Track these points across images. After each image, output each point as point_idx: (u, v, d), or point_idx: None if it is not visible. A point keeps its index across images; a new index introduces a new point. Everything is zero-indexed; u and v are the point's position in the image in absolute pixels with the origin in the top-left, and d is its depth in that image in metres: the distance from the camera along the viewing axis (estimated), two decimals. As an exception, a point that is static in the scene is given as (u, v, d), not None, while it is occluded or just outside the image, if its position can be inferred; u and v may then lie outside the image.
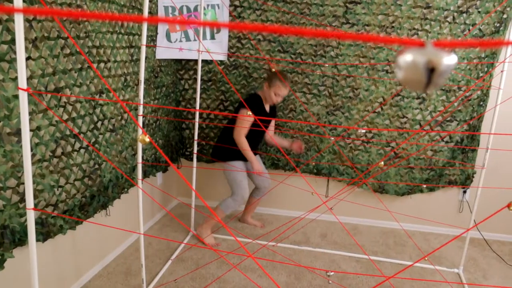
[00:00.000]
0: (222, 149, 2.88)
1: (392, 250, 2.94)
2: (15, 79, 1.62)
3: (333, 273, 2.57)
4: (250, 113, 2.64)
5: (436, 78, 0.45)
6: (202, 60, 3.16)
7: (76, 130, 2.07)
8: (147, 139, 0.93)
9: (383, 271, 2.63)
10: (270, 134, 3.07)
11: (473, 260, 2.85)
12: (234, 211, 3.38)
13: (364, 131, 3.10)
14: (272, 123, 3.09)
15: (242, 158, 2.84)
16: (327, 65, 3.03)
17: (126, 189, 2.61)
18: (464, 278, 2.60)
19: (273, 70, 2.85)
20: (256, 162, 2.78)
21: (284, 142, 3.05)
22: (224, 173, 2.92)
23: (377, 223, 3.36)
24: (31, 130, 1.77)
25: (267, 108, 2.90)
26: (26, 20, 1.68)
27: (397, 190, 3.19)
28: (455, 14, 2.81)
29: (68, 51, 1.95)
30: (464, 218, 3.22)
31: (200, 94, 3.27)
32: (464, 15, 2.80)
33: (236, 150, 2.81)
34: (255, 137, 2.89)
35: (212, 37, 3.12)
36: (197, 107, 2.87)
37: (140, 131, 2.01)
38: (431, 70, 0.44)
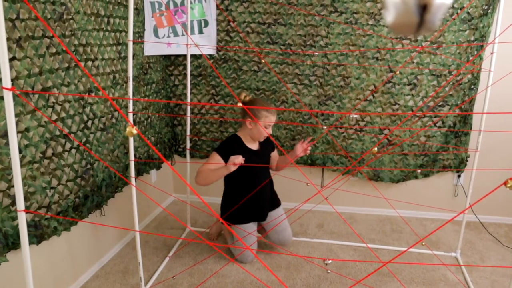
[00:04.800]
0: (227, 211, 2.59)
1: (389, 237, 2.95)
2: (0, 81, 1.59)
3: (331, 261, 2.57)
4: (219, 157, 2.37)
5: (429, 17, 0.40)
6: (191, 55, 3.13)
7: (66, 130, 2.04)
8: (135, 131, 0.91)
9: (381, 258, 2.63)
10: (273, 168, 2.75)
11: (470, 243, 2.87)
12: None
13: (356, 116, 3.09)
14: (273, 156, 2.75)
15: (251, 219, 2.58)
16: (317, 53, 3.02)
17: (120, 188, 2.59)
18: (462, 261, 2.62)
19: (247, 99, 2.45)
20: (229, 166, 2.27)
21: (290, 155, 2.63)
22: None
23: (373, 211, 3.36)
24: (19, 132, 1.74)
25: (254, 146, 2.54)
26: (9, 19, 1.65)
27: (392, 177, 3.19)
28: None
29: (54, 50, 1.92)
30: (460, 202, 3.23)
31: (191, 89, 3.25)
32: (452, -1, 2.80)
33: (242, 210, 2.52)
34: (251, 185, 2.48)
35: (200, 32, 3.09)
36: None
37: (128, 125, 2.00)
38: (423, 8, 0.40)
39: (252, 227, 2.59)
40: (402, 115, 3.08)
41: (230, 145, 2.45)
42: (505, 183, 0.84)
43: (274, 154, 2.76)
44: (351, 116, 3.10)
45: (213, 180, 2.34)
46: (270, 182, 2.66)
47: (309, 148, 2.50)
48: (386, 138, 3.12)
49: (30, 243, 1.84)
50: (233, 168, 2.24)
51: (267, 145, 2.62)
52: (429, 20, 0.40)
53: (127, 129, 0.90)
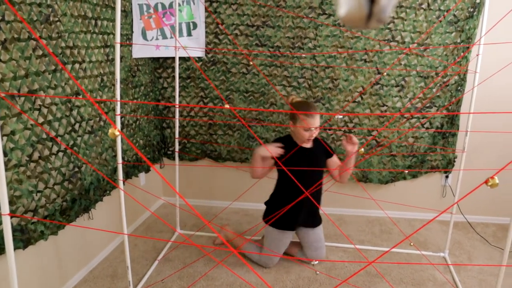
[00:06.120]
0: (269, 208, 2.57)
1: (378, 238, 2.96)
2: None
3: (317, 262, 2.58)
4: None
5: (378, 10, 0.42)
6: (180, 58, 3.12)
7: (53, 133, 2.02)
8: (117, 132, 0.91)
9: (370, 259, 2.64)
10: (335, 175, 2.56)
11: (458, 243, 2.89)
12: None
13: (340, 116, 3.10)
14: (334, 163, 2.55)
15: (282, 227, 2.48)
16: (305, 55, 3.03)
17: (108, 192, 2.57)
18: (450, 261, 2.64)
19: (294, 101, 2.44)
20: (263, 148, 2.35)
21: (348, 160, 2.42)
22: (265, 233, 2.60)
23: (362, 212, 3.38)
24: (5, 135, 1.72)
25: (306, 145, 2.43)
26: (-6, 21, 1.63)
27: (380, 179, 3.21)
28: (430, 0, 2.83)
29: (40, 52, 1.90)
30: (448, 203, 3.26)
31: (179, 92, 3.24)
32: (439, 1, 2.83)
33: (280, 216, 2.43)
34: (299, 182, 2.23)
35: (189, 34, 3.08)
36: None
37: (111, 126, 1.98)
38: (372, 1, 0.42)
39: (276, 234, 2.51)
40: (390, 116, 3.11)
41: (279, 139, 2.48)
42: (486, 182, 0.85)
43: (335, 161, 2.56)
44: (335, 117, 3.11)
45: (257, 169, 2.40)
46: (319, 187, 2.50)
47: (354, 139, 2.33)
48: (374, 139, 3.14)
49: (16, 247, 1.81)
50: (268, 151, 2.33)
51: (320, 150, 2.49)
52: (377, 12, 0.42)
53: (110, 130, 0.89)
